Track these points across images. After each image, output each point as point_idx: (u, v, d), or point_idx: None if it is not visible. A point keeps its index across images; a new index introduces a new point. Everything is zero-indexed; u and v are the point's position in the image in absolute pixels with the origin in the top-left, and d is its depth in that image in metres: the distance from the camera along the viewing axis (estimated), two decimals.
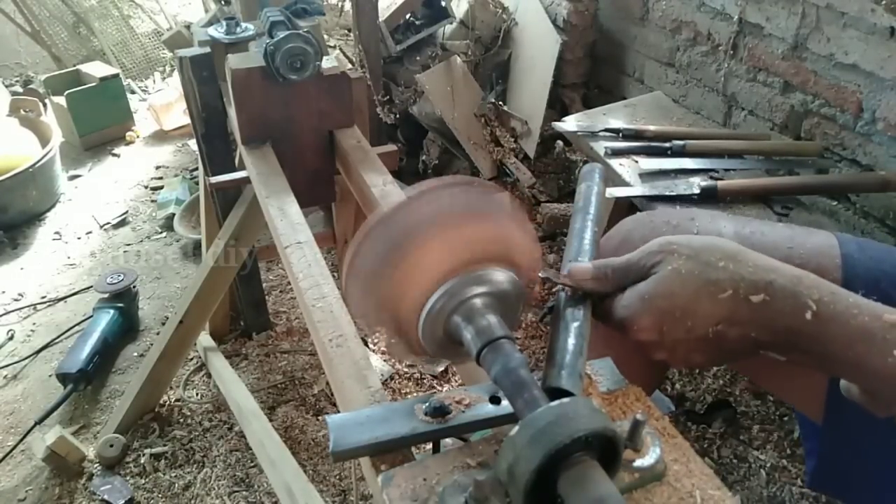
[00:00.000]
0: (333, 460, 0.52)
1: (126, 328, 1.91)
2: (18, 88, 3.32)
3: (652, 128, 1.64)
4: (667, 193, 1.41)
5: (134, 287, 1.95)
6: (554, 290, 0.63)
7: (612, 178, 1.52)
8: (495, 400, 0.56)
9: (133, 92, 3.28)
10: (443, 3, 2.24)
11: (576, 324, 0.57)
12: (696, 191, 1.40)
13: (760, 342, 0.55)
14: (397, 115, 2.27)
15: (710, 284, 0.54)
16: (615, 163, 1.54)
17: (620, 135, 1.62)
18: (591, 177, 0.75)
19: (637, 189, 1.43)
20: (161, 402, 1.67)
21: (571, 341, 0.55)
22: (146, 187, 2.65)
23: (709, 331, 0.55)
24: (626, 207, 1.52)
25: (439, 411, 0.54)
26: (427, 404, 0.55)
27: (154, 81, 3.44)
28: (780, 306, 0.53)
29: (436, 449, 0.55)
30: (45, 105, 2.83)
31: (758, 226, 0.79)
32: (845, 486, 0.79)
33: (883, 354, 0.51)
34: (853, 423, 0.71)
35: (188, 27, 2.53)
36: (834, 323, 0.53)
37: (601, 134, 1.64)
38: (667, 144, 1.55)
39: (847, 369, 0.54)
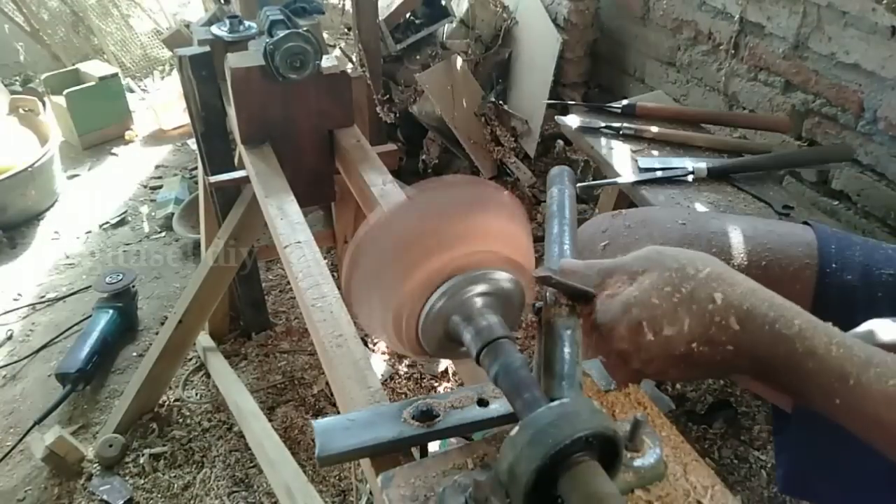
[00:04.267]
0: (319, 465, 0.52)
1: (125, 328, 1.91)
2: (18, 87, 3.31)
3: (652, 128, 1.63)
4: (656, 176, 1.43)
5: (133, 287, 1.94)
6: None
7: (612, 177, 1.52)
8: (483, 402, 0.56)
9: (132, 91, 3.27)
10: (443, 2, 2.24)
11: (568, 332, 0.56)
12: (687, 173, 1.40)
13: (736, 366, 0.54)
14: (397, 115, 2.26)
15: (690, 301, 0.54)
16: (615, 161, 1.54)
17: (620, 134, 1.62)
18: (560, 179, 0.72)
19: (625, 177, 1.45)
20: (160, 402, 1.67)
21: (567, 350, 0.54)
22: (145, 187, 2.65)
23: (684, 348, 0.54)
24: (626, 205, 1.52)
25: (425, 415, 0.54)
26: (413, 408, 0.54)
27: (153, 80, 3.44)
28: (758, 336, 0.53)
29: (423, 453, 0.55)
30: (44, 104, 2.82)
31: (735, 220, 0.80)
32: (818, 488, 0.78)
33: (860, 397, 0.50)
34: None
35: (188, 26, 2.53)
36: (812, 359, 0.51)
37: (601, 132, 1.63)
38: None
39: (824, 408, 0.53)
